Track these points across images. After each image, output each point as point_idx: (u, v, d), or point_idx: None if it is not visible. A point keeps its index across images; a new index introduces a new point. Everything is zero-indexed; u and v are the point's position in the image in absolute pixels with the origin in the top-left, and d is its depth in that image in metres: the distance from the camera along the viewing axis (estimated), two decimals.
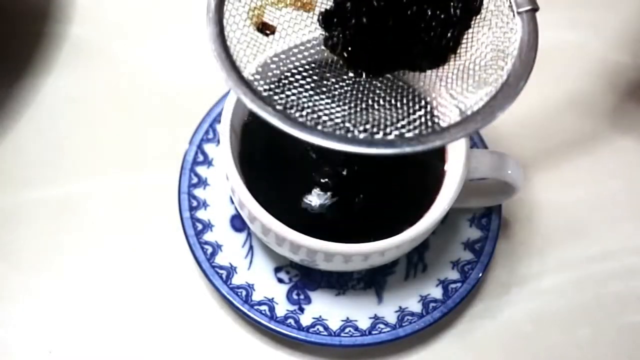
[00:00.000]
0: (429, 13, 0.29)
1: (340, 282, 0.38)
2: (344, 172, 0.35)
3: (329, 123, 0.27)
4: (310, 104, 0.28)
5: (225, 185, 0.38)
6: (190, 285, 0.38)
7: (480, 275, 0.37)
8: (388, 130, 0.27)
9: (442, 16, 0.29)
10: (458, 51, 0.30)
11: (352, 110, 0.28)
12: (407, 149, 0.26)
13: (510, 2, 0.29)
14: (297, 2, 0.30)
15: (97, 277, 0.39)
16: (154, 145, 0.42)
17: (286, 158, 0.36)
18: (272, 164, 0.35)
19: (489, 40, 0.29)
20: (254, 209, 0.32)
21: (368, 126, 0.27)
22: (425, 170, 0.35)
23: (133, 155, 0.42)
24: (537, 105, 0.45)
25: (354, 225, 0.34)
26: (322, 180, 0.35)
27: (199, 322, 0.38)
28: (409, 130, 0.27)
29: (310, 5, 0.30)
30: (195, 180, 0.39)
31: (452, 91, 0.29)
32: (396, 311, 0.37)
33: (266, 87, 0.28)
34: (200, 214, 0.38)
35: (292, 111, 0.27)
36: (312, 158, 0.36)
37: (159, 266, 0.39)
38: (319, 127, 0.27)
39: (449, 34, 0.29)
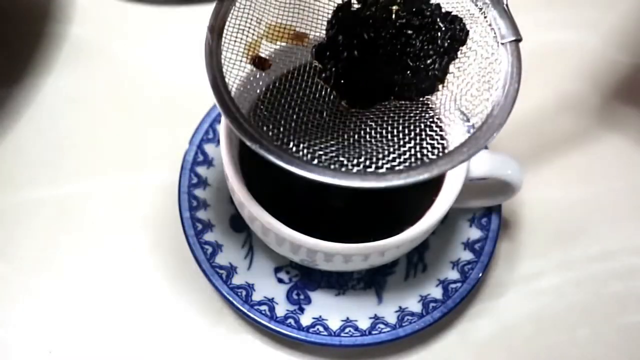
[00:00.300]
0: (418, 44, 0.31)
1: (340, 282, 0.38)
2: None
3: (323, 157, 0.28)
4: (307, 137, 0.29)
5: (225, 185, 0.38)
6: (190, 285, 0.38)
7: (480, 275, 0.37)
8: (380, 163, 0.28)
9: (430, 47, 0.30)
10: (446, 82, 0.31)
11: (346, 143, 0.29)
12: (397, 182, 0.27)
13: (495, 33, 0.30)
14: (292, 36, 0.32)
15: (97, 277, 0.39)
16: (154, 145, 0.42)
17: None
18: (272, 164, 0.35)
19: (475, 70, 0.30)
20: (254, 209, 0.32)
21: (362, 159, 0.28)
22: None
23: (133, 155, 0.42)
24: (536, 105, 0.45)
25: (354, 225, 0.34)
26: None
27: (198, 322, 0.38)
28: (399, 163, 0.28)
29: (305, 38, 0.32)
30: (195, 180, 0.39)
31: (443, 119, 0.30)
32: (396, 311, 0.37)
33: (264, 121, 0.29)
34: (200, 214, 0.38)
35: (290, 147, 0.28)
36: None
37: (159, 266, 0.39)
38: (315, 162, 0.28)
39: (436, 64, 0.30)
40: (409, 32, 0.31)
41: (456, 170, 0.33)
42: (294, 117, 0.30)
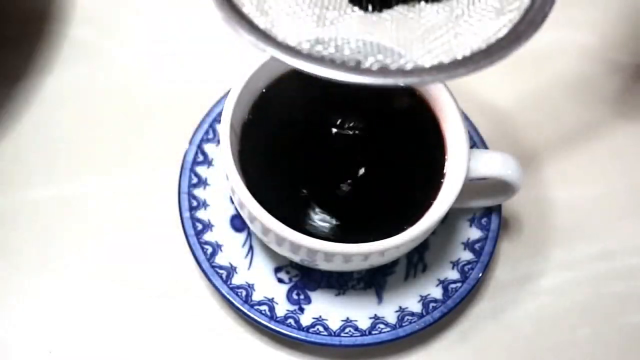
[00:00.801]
0: None
1: (340, 282, 0.38)
2: (344, 173, 0.35)
3: (337, 56, 0.25)
4: (314, 37, 0.26)
5: (225, 185, 0.38)
6: (190, 285, 0.38)
7: (480, 275, 0.37)
8: (403, 61, 0.25)
9: None
10: None
11: (362, 43, 0.26)
12: (428, 79, 0.24)
13: None
14: None
15: (97, 277, 0.39)
16: (154, 145, 0.42)
17: (286, 158, 0.36)
18: (272, 164, 0.35)
19: None
20: (254, 209, 0.32)
21: (380, 57, 0.25)
22: (425, 171, 0.35)
23: (133, 155, 0.42)
24: (536, 105, 0.45)
25: (354, 225, 0.34)
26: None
27: (199, 322, 0.38)
28: (427, 61, 0.25)
29: None
30: (195, 180, 0.39)
31: (471, 20, 0.27)
32: (396, 311, 0.37)
33: (266, 23, 0.26)
34: (200, 214, 0.38)
35: (298, 46, 0.25)
36: (313, 158, 0.36)
37: (159, 266, 0.39)
38: (327, 60, 0.24)
39: None
40: None
41: (458, 167, 0.33)
42: (299, 17, 0.26)
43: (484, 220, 0.39)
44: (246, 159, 0.34)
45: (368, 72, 0.24)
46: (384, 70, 0.24)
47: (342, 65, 0.24)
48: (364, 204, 0.35)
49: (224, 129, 0.33)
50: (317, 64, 0.24)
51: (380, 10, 0.27)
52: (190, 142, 0.40)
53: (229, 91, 0.34)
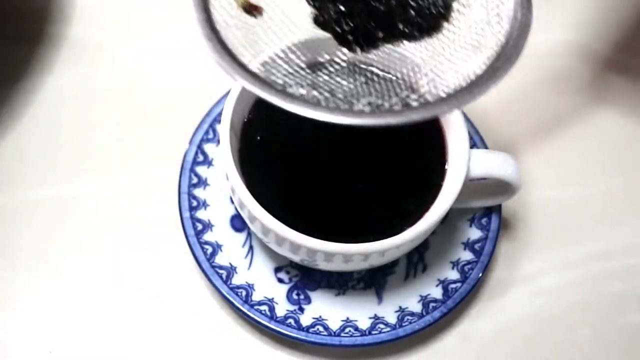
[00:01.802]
0: None
1: (340, 282, 0.38)
2: (344, 173, 0.35)
3: (331, 99, 0.26)
4: (309, 81, 0.28)
5: (225, 185, 0.38)
6: (190, 285, 0.38)
7: (480, 275, 0.37)
8: (393, 100, 0.26)
9: None
10: (451, 18, 0.29)
11: (353, 85, 0.28)
12: (415, 117, 0.25)
13: None
14: None
15: (97, 277, 0.39)
16: (154, 145, 0.42)
17: (286, 158, 0.36)
18: (272, 163, 0.35)
19: (481, 4, 0.29)
20: (254, 209, 0.32)
21: (372, 99, 0.27)
22: (425, 171, 0.35)
23: (133, 155, 0.42)
24: (536, 105, 0.45)
25: (354, 225, 0.34)
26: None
27: (199, 322, 0.38)
28: (414, 100, 0.27)
29: None
30: (195, 180, 0.39)
31: (452, 58, 0.29)
32: (396, 311, 0.37)
33: (261, 68, 0.27)
34: (200, 214, 0.38)
35: (293, 90, 0.27)
36: (313, 158, 0.36)
37: (159, 266, 0.39)
38: (323, 104, 0.26)
39: (439, 1, 0.29)
40: None
41: (458, 167, 0.33)
42: (294, 62, 0.28)
43: (484, 220, 0.39)
44: (246, 159, 0.34)
45: (361, 114, 0.26)
46: (375, 112, 0.26)
47: (336, 109, 0.26)
48: (364, 204, 0.35)
49: (224, 129, 0.33)
50: (314, 109, 0.26)
51: (367, 51, 0.29)
52: (190, 142, 0.40)
53: (229, 91, 0.34)
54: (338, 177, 0.35)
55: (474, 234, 0.39)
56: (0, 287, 0.38)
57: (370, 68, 0.29)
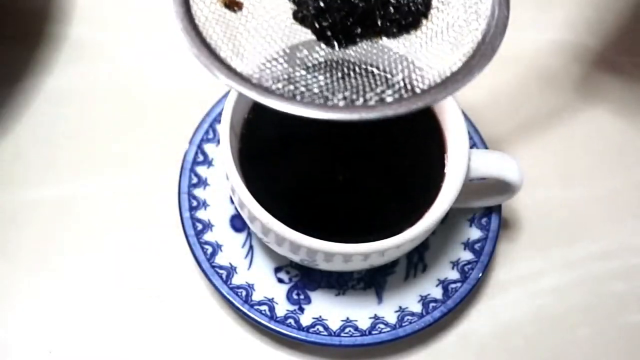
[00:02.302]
0: None
1: (340, 282, 0.38)
2: (344, 173, 0.35)
3: (307, 94, 0.27)
4: (285, 76, 0.28)
5: (225, 185, 0.38)
6: (190, 285, 0.38)
7: (480, 275, 0.37)
8: (368, 96, 0.27)
9: None
10: (430, 15, 0.30)
11: (329, 80, 0.28)
12: (389, 112, 0.26)
13: None
14: None
15: (97, 277, 0.39)
16: (154, 145, 0.42)
17: (286, 157, 0.36)
18: (272, 163, 0.35)
19: (460, 2, 0.29)
20: (254, 209, 0.32)
21: (347, 94, 0.27)
22: (425, 171, 0.35)
23: (133, 155, 0.42)
24: (536, 106, 0.45)
25: (354, 225, 0.34)
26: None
27: (199, 322, 0.38)
28: (388, 95, 0.27)
29: None
30: (195, 180, 0.39)
31: (428, 54, 0.29)
32: (396, 311, 0.37)
33: (240, 64, 0.28)
34: (200, 214, 0.38)
35: (268, 84, 0.27)
36: (313, 158, 0.36)
37: (159, 266, 0.39)
38: (298, 98, 0.27)
39: None
40: None
41: (458, 167, 0.33)
42: (271, 57, 0.29)
43: (484, 220, 0.39)
44: (246, 159, 0.34)
45: (335, 108, 0.26)
46: (349, 106, 0.26)
47: (311, 104, 0.26)
48: (364, 204, 0.35)
49: (224, 129, 0.33)
50: (289, 103, 0.26)
51: (345, 47, 0.29)
52: (190, 142, 0.40)
53: (229, 91, 0.34)
54: (338, 177, 0.35)
55: (474, 234, 0.39)
56: (0, 287, 0.38)
57: (348, 63, 0.29)
